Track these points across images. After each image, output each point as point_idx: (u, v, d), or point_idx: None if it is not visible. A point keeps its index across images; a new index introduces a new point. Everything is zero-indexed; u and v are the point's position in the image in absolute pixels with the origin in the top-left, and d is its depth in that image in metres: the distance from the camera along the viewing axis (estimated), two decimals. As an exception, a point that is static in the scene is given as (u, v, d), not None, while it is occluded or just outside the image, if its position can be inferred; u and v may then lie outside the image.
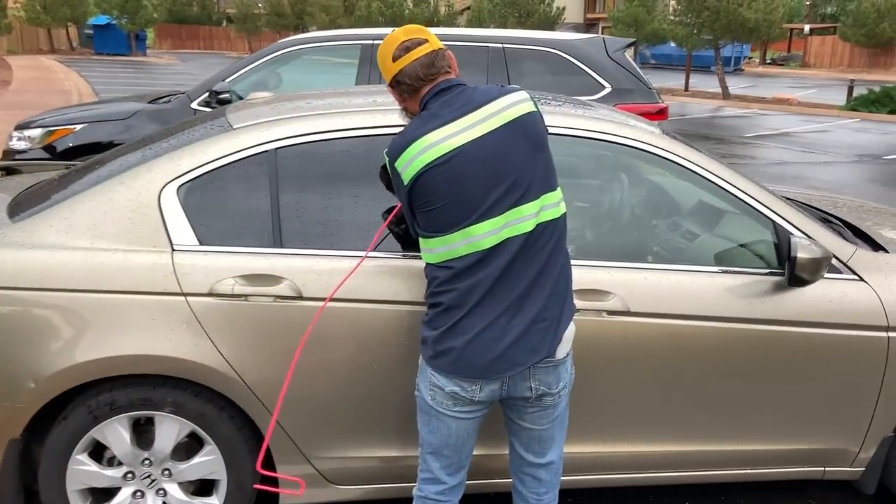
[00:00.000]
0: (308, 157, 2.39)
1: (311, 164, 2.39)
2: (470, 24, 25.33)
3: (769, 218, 2.55)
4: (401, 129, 1.98)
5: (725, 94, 20.64)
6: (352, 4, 27.37)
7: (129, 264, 2.24)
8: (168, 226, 2.29)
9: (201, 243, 2.30)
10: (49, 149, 5.14)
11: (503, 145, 1.89)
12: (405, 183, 1.91)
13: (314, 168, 2.39)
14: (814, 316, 2.49)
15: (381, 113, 2.44)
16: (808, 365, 2.53)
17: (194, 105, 5.25)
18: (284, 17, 34.41)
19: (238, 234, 2.32)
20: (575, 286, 2.35)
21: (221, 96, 5.09)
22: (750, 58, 37.86)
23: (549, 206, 1.94)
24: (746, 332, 2.47)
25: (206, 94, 5.26)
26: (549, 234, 1.93)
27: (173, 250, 2.27)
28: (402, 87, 1.97)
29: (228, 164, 2.35)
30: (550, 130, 2.50)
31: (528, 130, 1.93)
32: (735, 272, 2.51)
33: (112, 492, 2.38)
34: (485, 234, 1.88)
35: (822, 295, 2.51)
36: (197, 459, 2.37)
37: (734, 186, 2.55)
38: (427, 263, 1.99)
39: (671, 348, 2.44)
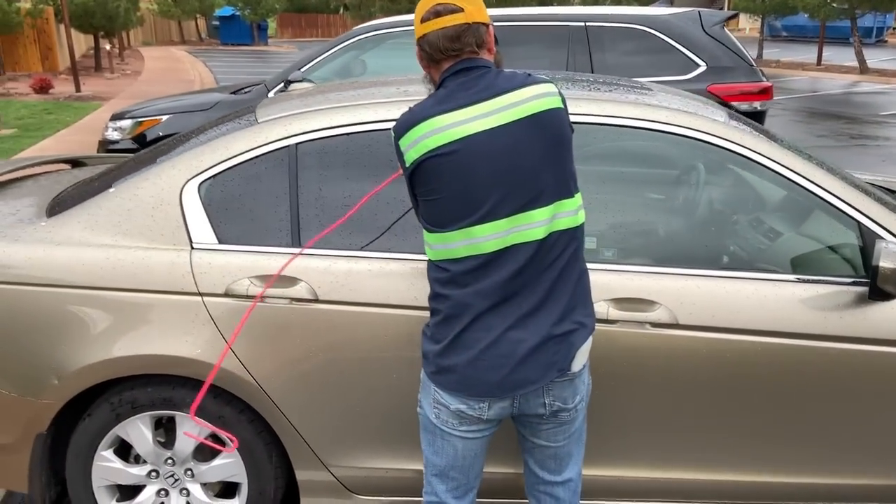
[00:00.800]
0: (328, 153, 2.27)
1: (332, 159, 2.27)
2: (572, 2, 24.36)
3: (853, 218, 2.19)
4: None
5: (863, 68, 18.87)
6: (462, -14, 27.07)
7: (148, 262, 2.21)
8: (188, 223, 2.24)
9: (220, 242, 2.24)
10: (139, 139, 5.34)
11: (518, 141, 1.69)
12: (407, 165, 1.75)
13: (335, 164, 2.27)
14: (904, 334, 2.12)
15: (406, 104, 2.27)
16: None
17: (271, 95, 5.28)
18: (397, 2, 34.68)
19: (256, 233, 2.24)
20: (615, 294, 2.12)
21: (294, 85, 5.10)
22: (895, 28, 34.46)
23: (565, 213, 1.72)
24: (821, 350, 2.13)
25: (283, 83, 5.29)
26: (564, 244, 1.72)
27: (192, 248, 2.23)
28: (424, 52, 1.81)
29: (249, 160, 2.27)
30: (595, 120, 2.27)
31: (548, 128, 1.71)
32: (809, 280, 2.18)
33: (137, 489, 2.39)
34: (487, 236, 1.69)
35: (917, 309, 2.13)
36: (217, 461, 2.33)
37: (810, 181, 2.20)
38: (427, 260, 1.83)
39: (726, 367, 2.14)
